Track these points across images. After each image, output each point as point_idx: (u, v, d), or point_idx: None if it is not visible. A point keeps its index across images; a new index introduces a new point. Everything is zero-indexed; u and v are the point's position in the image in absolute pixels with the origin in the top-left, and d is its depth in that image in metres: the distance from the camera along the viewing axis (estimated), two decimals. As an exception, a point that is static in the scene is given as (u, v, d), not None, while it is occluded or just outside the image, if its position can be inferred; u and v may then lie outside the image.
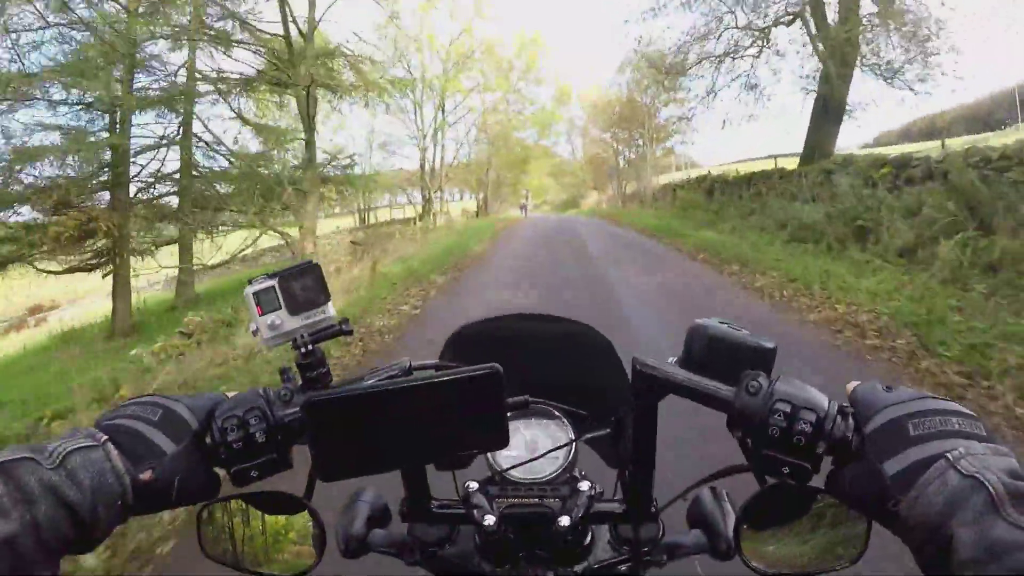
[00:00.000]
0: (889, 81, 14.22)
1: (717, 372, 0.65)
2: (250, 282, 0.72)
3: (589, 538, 0.79)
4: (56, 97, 12.06)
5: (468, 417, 0.59)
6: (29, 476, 0.49)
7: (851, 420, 0.60)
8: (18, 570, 0.45)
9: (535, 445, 0.84)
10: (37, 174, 11.89)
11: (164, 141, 13.70)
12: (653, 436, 0.72)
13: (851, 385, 0.63)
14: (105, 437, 0.56)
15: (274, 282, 0.72)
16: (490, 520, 0.72)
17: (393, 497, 0.84)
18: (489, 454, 0.81)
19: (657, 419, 0.71)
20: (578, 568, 0.76)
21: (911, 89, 14.10)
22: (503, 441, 0.61)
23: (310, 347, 0.72)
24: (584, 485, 0.76)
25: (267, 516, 0.72)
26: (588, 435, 0.83)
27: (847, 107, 14.69)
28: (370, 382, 0.69)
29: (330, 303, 0.74)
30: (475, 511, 0.73)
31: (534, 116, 40.31)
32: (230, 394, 0.69)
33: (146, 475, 0.56)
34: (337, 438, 0.58)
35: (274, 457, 0.65)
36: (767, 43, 16.03)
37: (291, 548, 0.72)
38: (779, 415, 0.59)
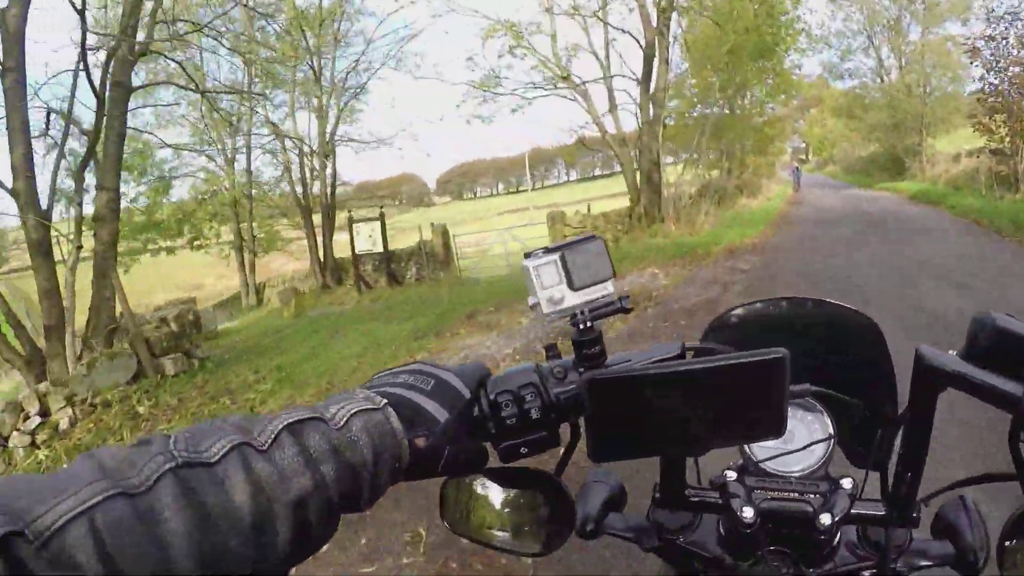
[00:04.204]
0: None
1: (1001, 368, 0.61)
2: (527, 256, 0.69)
3: (837, 539, 0.77)
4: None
5: (747, 403, 0.57)
6: (318, 436, 0.50)
7: None
8: (305, 528, 0.47)
9: (791, 436, 0.79)
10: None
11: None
12: (928, 433, 0.69)
13: None
14: (384, 401, 0.56)
15: (555, 256, 0.68)
16: (748, 512, 0.70)
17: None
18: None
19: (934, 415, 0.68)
20: (822, 570, 0.75)
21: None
22: (779, 430, 0.59)
23: (589, 324, 0.67)
24: (847, 483, 0.74)
25: (511, 491, 0.71)
26: (852, 428, 0.81)
27: None
28: (648, 363, 0.66)
29: (611, 279, 0.69)
30: (732, 501, 0.72)
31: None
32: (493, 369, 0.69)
33: (420, 441, 0.57)
34: (612, 419, 0.58)
35: (545, 435, 0.64)
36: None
37: (533, 525, 0.71)
38: None
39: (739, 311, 0.89)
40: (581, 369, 0.66)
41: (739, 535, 0.73)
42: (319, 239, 16.78)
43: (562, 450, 0.69)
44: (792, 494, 0.74)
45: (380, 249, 13.85)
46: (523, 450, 0.63)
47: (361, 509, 0.54)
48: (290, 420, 0.50)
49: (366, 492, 0.53)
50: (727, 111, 19.58)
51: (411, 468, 0.57)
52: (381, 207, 14.87)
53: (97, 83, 7.60)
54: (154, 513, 0.39)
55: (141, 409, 6.01)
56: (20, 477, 0.40)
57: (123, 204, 18.90)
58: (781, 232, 14.18)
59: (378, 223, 13.79)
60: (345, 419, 0.52)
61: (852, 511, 0.72)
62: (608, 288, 0.68)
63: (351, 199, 21.59)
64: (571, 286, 0.67)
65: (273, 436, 0.48)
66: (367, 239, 13.79)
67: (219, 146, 18.77)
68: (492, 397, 0.63)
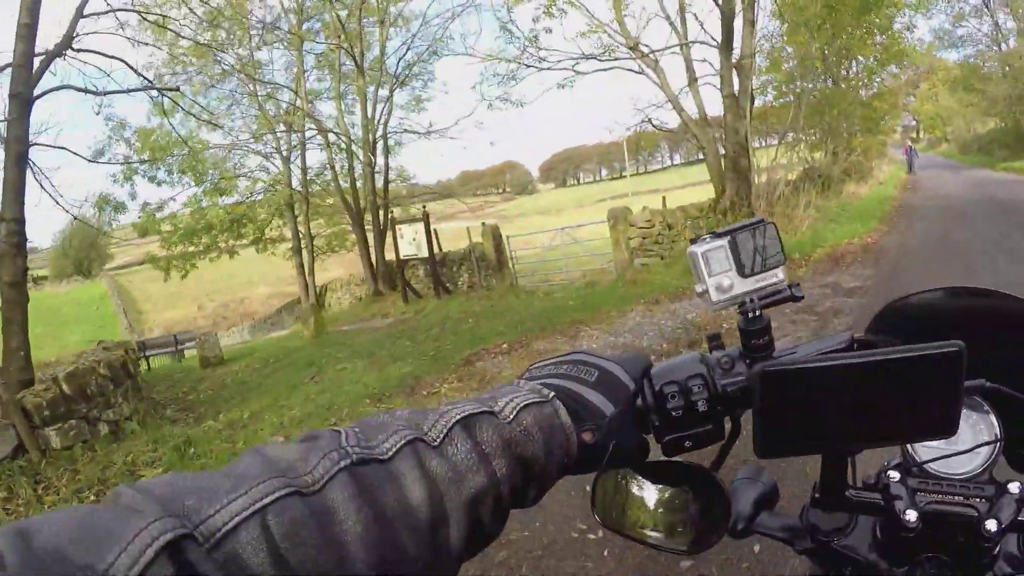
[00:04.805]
0: None
1: None
2: (693, 241, 0.68)
3: (998, 547, 0.72)
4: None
5: (919, 398, 0.55)
6: (490, 431, 0.49)
7: None
8: (479, 527, 0.47)
9: (956, 436, 0.73)
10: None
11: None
12: None
13: None
14: (552, 394, 0.55)
15: (724, 241, 0.66)
16: (911, 515, 0.67)
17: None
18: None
19: None
20: None
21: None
22: (951, 429, 0.56)
23: (758, 312, 0.66)
24: (1015, 487, 0.69)
25: (665, 487, 0.69)
26: (1016, 430, 0.77)
27: None
28: (820, 354, 0.65)
29: (782, 266, 0.67)
30: (895, 503, 0.69)
31: None
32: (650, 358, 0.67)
33: (587, 435, 0.56)
34: (781, 412, 0.55)
35: (710, 428, 0.63)
36: None
37: (686, 522, 0.68)
38: None
39: (904, 302, 0.85)
40: (748, 360, 0.64)
41: (898, 539, 0.71)
42: (370, 241, 15.63)
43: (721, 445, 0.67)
44: (957, 497, 0.70)
45: (425, 254, 12.43)
46: (687, 443, 0.62)
47: (527, 504, 0.53)
48: (462, 414, 0.48)
49: (534, 488, 0.52)
50: (830, 83, 16.99)
51: (577, 462, 0.56)
52: (424, 206, 13.45)
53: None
54: (329, 513, 0.38)
55: (-8, 503, 4.65)
56: (186, 475, 0.38)
57: (175, 208, 18.54)
58: (898, 229, 11.79)
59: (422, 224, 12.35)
60: (515, 413, 0.51)
61: (1019, 518, 0.68)
62: (779, 275, 0.66)
63: (450, 191, 20.28)
64: (741, 272, 0.65)
65: (445, 431, 0.47)
66: (411, 243, 12.41)
67: (275, 144, 17.96)
68: (657, 388, 0.62)
